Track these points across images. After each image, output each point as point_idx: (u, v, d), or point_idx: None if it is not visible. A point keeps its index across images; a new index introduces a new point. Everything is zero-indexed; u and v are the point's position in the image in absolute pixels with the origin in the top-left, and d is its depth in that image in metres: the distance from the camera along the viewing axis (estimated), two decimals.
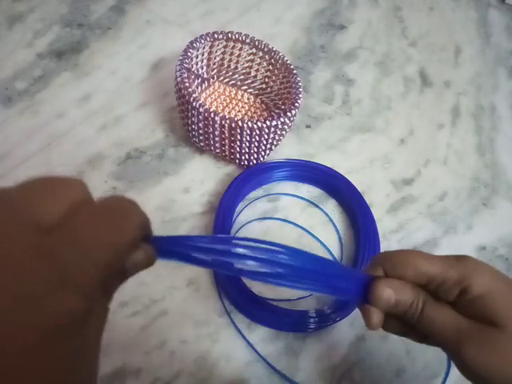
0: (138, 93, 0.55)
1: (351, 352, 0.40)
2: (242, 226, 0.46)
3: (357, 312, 0.42)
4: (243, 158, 0.48)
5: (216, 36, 0.50)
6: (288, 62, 0.51)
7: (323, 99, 0.59)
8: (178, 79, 0.45)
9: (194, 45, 0.49)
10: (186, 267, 0.43)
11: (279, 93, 0.53)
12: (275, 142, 0.47)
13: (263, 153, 0.48)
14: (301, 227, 0.46)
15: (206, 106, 0.43)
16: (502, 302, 0.26)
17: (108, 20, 0.62)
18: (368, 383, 0.39)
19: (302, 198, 0.49)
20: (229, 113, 0.53)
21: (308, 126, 0.55)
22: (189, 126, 0.47)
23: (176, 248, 0.23)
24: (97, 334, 0.18)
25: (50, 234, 0.17)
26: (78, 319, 0.16)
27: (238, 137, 0.45)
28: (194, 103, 0.43)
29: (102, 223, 0.18)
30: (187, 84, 0.45)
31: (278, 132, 0.46)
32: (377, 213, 0.48)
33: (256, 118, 0.53)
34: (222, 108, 0.53)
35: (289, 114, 0.45)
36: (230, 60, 0.54)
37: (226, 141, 0.46)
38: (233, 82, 0.55)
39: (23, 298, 0.15)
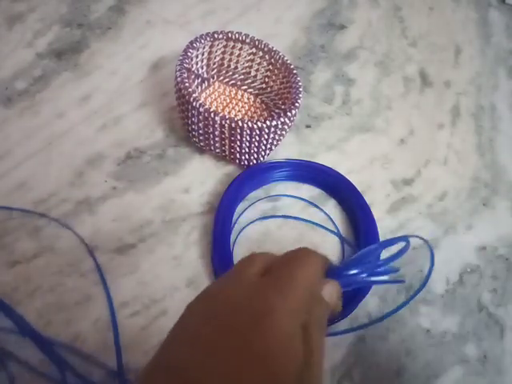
0: (137, 93, 0.55)
1: (351, 352, 0.40)
2: (244, 228, 0.46)
3: (357, 312, 0.42)
4: (243, 157, 0.48)
5: (216, 36, 0.50)
6: (288, 61, 0.51)
7: (323, 99, 0.59)
8: (178, 79, 0.45)
9: (194, 45, 0.49)
10: (186, 267, 0.43)
11: (279, 93, 0.53)
12: (275, 142, 0.47)
13: (263, 153, 0.48)
14: (303, 220, 0.46)
15: (206, 106, 0.43)
16: None
17: (108, 20, 0.62)
18: (368, 383, 0.39)
19: (302, 198, 0.49)
20: (229, 113, 0.53)
21: (308, 126, 0.55)
22: (189, 126, 0.47)
23: (349, 280, 0.27)
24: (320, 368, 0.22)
25: (265, 277, 0.24)
26: (296, 338, 0.21)
27: (238, 137, 0.45)
28: (194, 103, 0.43)
29: (293, 262, 0.24)
30: (187, 84, 0.45)
31: (278, 132, 0.46)
32: (377, 213, 0.47)
33: (256, 117, 0.53)
34: (221, 108, 0.53)
35: (289, 113, 0.45)
36: (230, 60, 0.54)
37: (226, 141, 0.46)
38: (233, 81, 0.55)
39: (259, 317, 0.21)
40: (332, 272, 0.26)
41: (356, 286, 0.27)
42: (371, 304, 0.43)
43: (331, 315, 0.25)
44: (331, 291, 0.25)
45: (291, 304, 0.21)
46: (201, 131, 0.46)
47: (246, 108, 0.54)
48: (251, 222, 0.46)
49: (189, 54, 0.48)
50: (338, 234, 0.47)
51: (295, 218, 0.47)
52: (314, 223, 0.47)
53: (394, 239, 0.29)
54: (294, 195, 0.49)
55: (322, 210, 0.48)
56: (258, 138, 0.45)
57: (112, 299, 0.40)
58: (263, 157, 0.49)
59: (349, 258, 0.29)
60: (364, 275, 0.26)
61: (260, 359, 0.19)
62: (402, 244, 0.27)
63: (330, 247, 0.46)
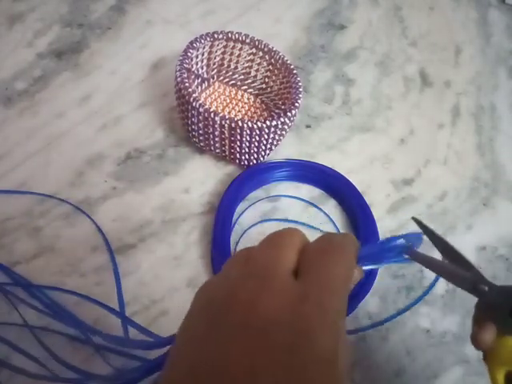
0: (137, 93, 0.55)
1: (351, 352, 0.40)
2: (246, 230, 0.46)
3: (357, 312, 0.42)
4: (243, 157, 0.48)
5: (216, 36, 0.50)
6: (288, 61, 0.51)
7: (323, 99, 0.59)
8: (178, 79, 0.45)
9: (194, 45, 0.49)
10: (186, 267, 0.43)
11: (279, 93, 0.53)
12: (275, 142, 0.47)
13: (263, 153, 0.48)
14: (306, 224, 0.47)
15: (206, 106, 0.43)
16: None
17: (108, 20, 0.62)
18: (368, 383, 0.39)
19: (302, 199, 0.49)
20: (229, 113, 0.53)
21: (308, 126, 0.55)
22: (189, 126, 0.47)
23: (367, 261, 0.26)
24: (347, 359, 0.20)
25: (299, 278, 0.21)
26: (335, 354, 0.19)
27: (238, 137, 0.45)
28: (194, 103, 0.43)
29: (330, 258, 0.22)
30: (187, 84, 0.45)
31: (278, 132, 0.46)
32: (377, 213, 0.48)
33: (256, 117, 0.53)
34: (221, 108, 0.53)
35: (289, 113, 0.45)
36: (230, 60, 0.54)
37: (226, 141, 0.46)
38: (233, 82, 0.55)
39: (303, 336, 0.19)
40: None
41: (374, 267, 0.26)
42: (371, 304, 0.43)
43: None
44: (357, 280, 0.24)
45: (333, 320, 0.20)
46: (201, 131, 0.46)
47: (246, 108, 0.54)
48: (253, 225, 0.46)
49: (189, 54, 0.48)
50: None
51: (295, 222, 0.47)
52: (315, 228, 0.47)
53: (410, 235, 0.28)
54: (294, 195, 0.49)
55: (321, 210, 0.48)
56: (257, 138, 0.45)
57: (123, 295, 0.40)
58: (263, 157, 0.49)
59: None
60: (386, 257, 0.26)
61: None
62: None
63: None
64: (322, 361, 0.18)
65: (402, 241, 0.26)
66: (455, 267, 0.28)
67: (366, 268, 0.25)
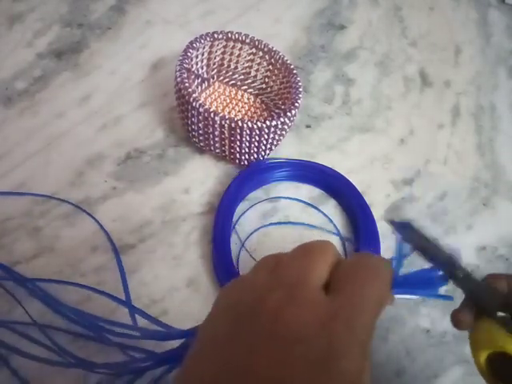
0: (137, 93, 0.55)
1: None
2: (249, 236, 0.46)
3: None
4: (243, 157, 0.48)
5: (216, 36, 0.50)
6: (288, 61, 0.51)
7: (323, 99, 0.59)
8: (178, 79, 0.45)
9: (194, 45, 0.49)
10: (186, 267, 0.43)
11: (279, 93, 0.53)
12: (275, 142, 0.47)
13: (263, 153, 0.48)
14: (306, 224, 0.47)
15: (206, 106, 0.43)
16: None
17: (108, 20, 0.62)
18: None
19: (302, 200, 0.49)
20: (229, 113, 0.53)
21: (308, 126, 0.55)
22: (189, 126, 0.47)
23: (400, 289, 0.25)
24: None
25: (329, 294, 0.20)
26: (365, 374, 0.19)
27: (238, 137, 0.45)
28: (194, 103, 0.43)
29: (365, 280, 0.21)
30: (187, 84, 0.45)
31: (278, 132, 0.46)
32: (377, 213, 0.48)
33: (256, 117, 0.53)
34: (221, 108, 0.53)
35: (289, 113, 0.45)
36: (230, 60, 0.54)
37: (226, 141, 0.46)
38: (233, 82, 0.55)
39: (330, 353, 0.18)
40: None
41: (405, 295, 0.26)
42: None
43: None
44: (388, 304, 0.23)
45: (361, 342, 0.19)
46: (201, 131, 0.46)
47: (246, 108, 0.54)
48: (255, 231, 0.46)
49: (189, 54, 0.48)
50: (338, 235, 0.47)
51: (297, 223, 0.47)
52: (316, 227, 0.47)
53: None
54: (294, 197, 0.49)
55: (321, 211, 0.48)
56: (257, 138, 0.45)
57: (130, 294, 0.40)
58: (263, 157, 0.49)
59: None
60: (417, 288, 0.25)
61: None
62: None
63: None
64: (347, 382, 0.18)
65: (439, 273, 0.26)
66: (436, 249, 0.28)
67: (398, 296, 0.25)
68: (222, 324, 0.20)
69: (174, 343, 0.28)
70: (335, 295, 0.20)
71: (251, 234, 0.46)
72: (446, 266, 0.27)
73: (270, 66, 0.52)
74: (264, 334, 0.19)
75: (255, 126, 0.43)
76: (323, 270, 0.21)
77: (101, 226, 0.44)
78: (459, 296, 0.28)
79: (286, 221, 0.47)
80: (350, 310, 0.20)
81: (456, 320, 0.29)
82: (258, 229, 0.46)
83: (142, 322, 0.35)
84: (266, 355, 0.18)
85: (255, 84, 0.55)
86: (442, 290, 0.26)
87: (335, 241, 0.46)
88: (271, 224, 0.46)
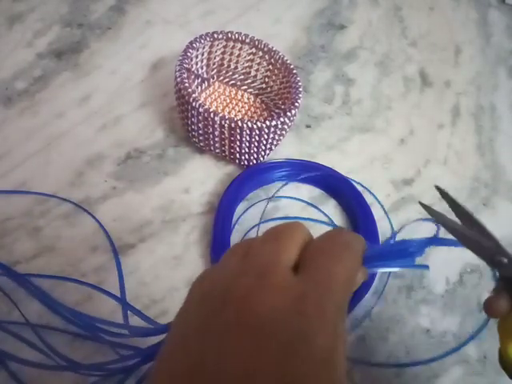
0: (137, 93, 0.55)
1: (351, 352, 0.40)
2: (248, 232, 0.46)
3: (357, 312, 0.42)
4: (243, 158, 0.48)
5: (216, 36, 0.50)
6: (288, 61, 0.51)
7: (323, 99, 0.59)
8: (178, 79, 0.45)
9: (194, 45, 0.49)
10: (186, 267, 0.43)
11: (279, 93, 0.53)
12: (275, 142, 0.47)
13: (263, 153, 0.48)
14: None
15: (206, 106, 0.43)
16: None
17: (108, 20, 0.62)
18: (368, 383, 0.39)
19: (302, 200, 0.49)
20: (229, 113, 0.53)
21: (308, 126, 0.55)
22: (189, 126, 0.47)
23: (377, 265, 0.25)
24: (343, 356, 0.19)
25: (299, 274, 0.20)
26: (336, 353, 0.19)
27: (238, 137, 0.45)
28: (194, 103, 0.43)
29: (333, 256, 0.21)
30: (187, 84, 0.45)
31: (278, 132, 0.46)
32: (377, 213, 0.48)
33: (256, 117, 0.53)
34: (221, 108, 0.53)
35: (289, 113, 0.45)
36: (230, 60, 0.54)
37: (226, 141, 0.46)
38: (233, 82, 0.55)
39: (300, 336, 0.18)
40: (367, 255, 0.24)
41: (381, 269, 0.25)
42: (371, 304, 0.43)
43: None
44: (360, 280, 0.22)
45: (332, 320, 0.19)
46: (201, 131, 0.46)
47: (246, 108, 0.54)
48: (255, 226, 0.46)
49: (189, 54, 0.48)
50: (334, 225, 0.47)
51: (296, 218, 0.47)
52: (316, 221, 0.47)
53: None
54: (294, 195, 0.49)
55: (321, 211, 0.48)
56: (257, 138, 0.45)
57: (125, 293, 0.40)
58: (263, 157, 0.49)
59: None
60: (393, 259, 0.24)
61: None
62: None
63: None
64: (320, 361, 0.18)
65: (413, 243, 0.25)
66: (477, 235, 0.27)
67: (372, 270, 0.24)
68: (193, 318, 0.20)
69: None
70: (304, 275, 0.20)
71: (250, 230, 0.46)
72: (486, 250, 0.27)
73: (270, 66, 0.52)
74: (232, 324, 0.18)
75: (255, 126, 0.43)
76: (292, 252, 0.21)
77: (101, 225, 0.44)
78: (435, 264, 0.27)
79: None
80: (319, 289, 0.19)
81: (492, 308, 0.28)
82: (257, 225, 0.46)
83: (138, 321, 0.35)
84: (235, 345, 0.18)
85: (255, 84, 0.55)
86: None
87: None
88: (270, 220, 0.46)
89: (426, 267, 0.26)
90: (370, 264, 0.24)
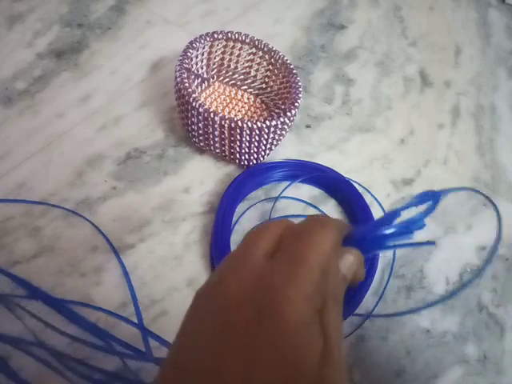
0: (138, 93, 0.55)
1: (351, 352, 0.40)
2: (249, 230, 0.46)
3: (356, 312, 0.42)
4: (243, 158, 0.48)
5: (216, 36, 0.50)
6: (288, 61, 0.51)
7: (323, 99, 0.59)
8: (178, 79, 0.45)
9: (194, 45, 0.49)
10: (186, 267, 0.43)
11: (279, 93, 0.53)
12: (275, 142, 0.47)
13: (263, 153, 0.48)
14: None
15: (206, 106, 0.43)
16: None
17: (108, 20, 0.62)
18: (368, 383, 0.39)
19: (302, 200, 0.49)
20: (229, 113, 0.53)
21: (308, 126, 0.55)
22: (189, 126, 0.47)
23: (371, 245, 0.24)
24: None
25: (272, 258, 0.21)
26: (312, 326, 0.19)
27: (238, 137, 0.45)
28: (194, 103, 0.43)
29: (306, 237, 0.21)
30: (187, 84, 0.45)
31: (278, 132, 0.46)
32: (377, 213, 0.48)
33: (256, 117, 0.53)
34: (221, 108, 0.53)
35: (289, 113, 0.45)
36: (230, 60, 0.54)
37: (226, 141, 0.46)
38: (233, 81, 0.55)
39: (267, 309, 0.18)
40: (352, 238, 0.23)
41: (379, 250, 0.24)
42: (371, 304, 0.43)
43: (353, 285, 0.23)
44: (350, 261, 0.22)
45: (302, 290, 0.19)
46: (201, 131, 0.46)
47: (246, 108, 0.54)
48: (255, 226, 0.46)
49: (189, 54, 0.48)
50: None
51: (296, 216, 0.47)
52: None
53: (416, 199, 0.25)
54: (294, 196, 0.49)
55: (321, 211, 0.48)
56: (257, 138, 0.45)
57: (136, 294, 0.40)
58: (263, 157, 0.49)
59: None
60: (388, 236, 0.23)
61: (272, 358, 0.17)
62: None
63: None
64: (289, 330, 0.18)
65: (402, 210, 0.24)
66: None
67: (369, 253, 0.23)
68: (186, 319, 0.21)
69: None
70: (275, 257, 0.21)
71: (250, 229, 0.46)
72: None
73: (270, 66, 0.52)
74: (210, 311, 0.20)
75: (255, 126, 0.43)
76: (267, 240, 0.22)
77: (97, 228, 0.44)
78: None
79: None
80: (288, 263, 0.20)
81: None
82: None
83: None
84: (210, 329, 0.19)
85: (255, 84, 0.55)
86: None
87: None
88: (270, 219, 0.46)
89: (432, 244, 0.25)
90: (362, 245, 0.23)
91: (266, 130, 0.44)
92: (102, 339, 0.37)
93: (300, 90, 0.48)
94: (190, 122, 0.46)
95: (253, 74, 0.54)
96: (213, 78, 0.55)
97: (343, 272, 0.22)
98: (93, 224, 0.44)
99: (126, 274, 0.41)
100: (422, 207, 0.24)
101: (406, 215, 0.24)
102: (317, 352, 0.18)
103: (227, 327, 0.18)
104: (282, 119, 0.44)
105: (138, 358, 0.36)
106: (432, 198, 0.25)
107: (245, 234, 0.24)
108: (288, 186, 0.48)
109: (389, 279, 0.44)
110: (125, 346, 0.37)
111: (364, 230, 0.24)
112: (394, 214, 0.24)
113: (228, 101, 0.54)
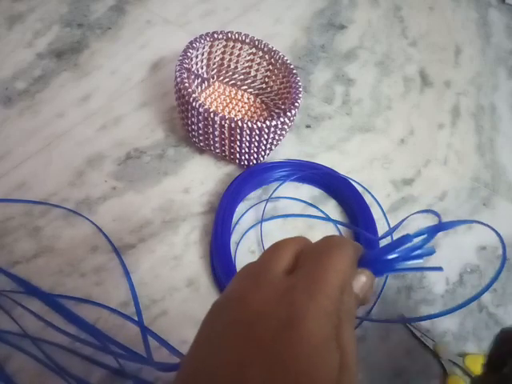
0: (138, 93, 0.55)
1: None
2: (249, 229, 0.46)
3: (357, 312, 0.42)
4: (243, 158, 0.48)
5: (216, 36, 0.50)
6: (288, 61, 0.51)
7: (323, 99, 0.59)
8: (178, 79, 0.45)
9: (194, 45, 0.49)
10: (186, 267, 0.43)
11: (279, 93, 0.53)
12: (275, 142, 0.47)
13: (263, 153, 0.48)
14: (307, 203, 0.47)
15: (206, 106, 0.43)
16: None
17: (108, 20, 0.62)
18: (368, 383, 0.39)
19: (302, 200, 0.49)
20: (229, 113, 0.53)
21: (308, 126, 0.55)
22: (189, 126, 0.47)
23: (383, 268, 0.25)
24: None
25: (291, 275, 0.22)
26: (331, 342, 0.19)
27: (238, 137, 0.45)
28: (194, 103, 0.43)
29: (326, 256, 0.22)
30: (187, 84, 0.45)
31: (278, 132, 0.46)
32: (376, 213, 0.47)
33: (256, 117, 0.53)
34: (221, 108, 0.53)
35: (289, 113, 0.45)
36: (230, 60, 0.54)
37: (226, 141, 0.46)
38: (233, 81, 0.55)
39: (288, 323, 0.19)
40: (364, 260, 0.25)
41: (390, 273, 0.25)
42: (371, 304, 0.43)
43: (361, 305, 0.24)
44: (363, 282, 0.23)
45: (322, 306, 0.20)
46: (201, 131, 0.46)
47: (246, 108, 0.54)
48: (254, 225, 0.46)
49: (189, 54, 0.48)
50: (337, 221, 0.47)
51: (296, 215, 0.47)
52: (315, 217, 0.47)
53: (427, 229, 0.27)
54: (294, 197, 0.49)
55: (321, 211, 0.48)
56: (257, 138, 0.45)
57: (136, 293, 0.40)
58: (263, 157, 0.49)
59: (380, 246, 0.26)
60: (399, 259, 0.24)
61: (292, 371, 0.18)
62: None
63: None
64: (310, 345, 0.18)
65: (414, 237, 0.25)
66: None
67: (380, 274, 0.24)
68: (201, 330, 0.21)
69: None
70: (295, 273, 0.22)
71: (248, 230, 0.46)
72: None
73: (270, 66, 0.52)
74: (228, 324, 0.20)
75: (255, 126, 0.43)
76: (285, 256, 0.23)
77: (99, 229, 0.44)
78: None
79: (286, 222, 0.47)
80: (309, 280, 0.21)
81: None
82: (256, 224, 0.46)
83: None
84: (230, 341, 0.19)
85: (255, 84, 0.55)
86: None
87: None
88: (271, 218, 0.46)
89: (440, 269, 0.26)
90: (374, 267, 0.24)
91: (266, 130, 0.44)
92: (101, 341, 0.37)
93: (300, 90, 0.48)
94: (190, 122, 0.46)
95: (253, 74, 0.54)
96: (213, 78, 0.55)
97: (356, 292, 0.23)
98: (94, 224, 0.44)
99: (126, 273, 0.41)
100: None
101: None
102: (335, 366, 0.19)
103: (248, 340, 0.19)
104: (282, 119, 0.44)
105: (139, 361, 0.36)
106: (441, 229, 0.26)
107: (262, 252, 0.24)
108: (281, 183, 0.48)
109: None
110: (124, 350, 0.37)
111: (376, 252, 0.25)
112: (406, 239, 0.25)
113: (228, 101, 0.54)
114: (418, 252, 0.25)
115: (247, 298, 0.21)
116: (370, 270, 0.24)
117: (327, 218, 0.48)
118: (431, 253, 0.25)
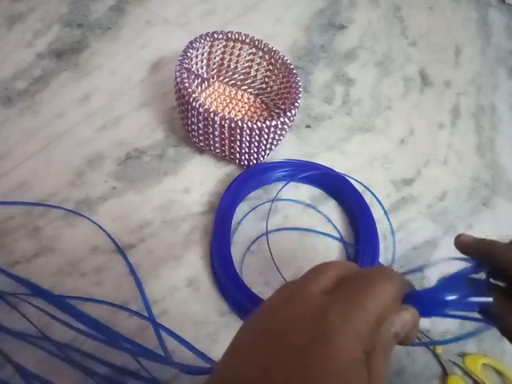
0: (138, 93, 0.55)
1: None
2: (256, 240, 0.45)
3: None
4: (243, 158, 0.48)
5: (216, 36, 0.50)
6: (288, 61, 0.51)
7: (323, 99, 0.59)
8: (178, 79, 0.45)
9: (194, 45, 0.49)
10: (186, 267, 0.43)
11: (279, 93, 0.53)
12: (275, 142, 0.47)
13: (263, 153, 0.48)
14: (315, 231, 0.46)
15: (206, 106, 0.43)
16: None
17: (108, 20, 0.62)
18: None
19: (302, 202, 0.49)
20: (229, 113, 0.53)
21: (308, 126, 0.55)
22: (189, 126, 0.47)
23: (432, 309, 0.24)
24: None
25: (329, 295, 0.22)
26: (360, 364, 0.19)
27: (238, 137, 0.45)
28: (194, 103, 0.43)
29: (368, 283, 0.22)
30: (187, 84, 0.45)
31: (278, 132, 0.46)
32: (377, 213, 0.47)
33: (256, 117, 0.53)
34: (221, 108, 0.53)
35: (289, 113, 0.45)
36: (230, 60, 0.54)
37: (226, 141, 0.46)
38: (233, 81, 0.55)
39: (319, 338, 0.19)
40: (413, 297, 0.24)
41: (438, 315, 0.24)
42: None
43: (403, 344, 0.23)
44: (406, 319, 0.23)
45: (356, 329, 0.20)
46: (201, 131, 0.46)
47: (246, 108, 0.54)
48: (258, 238, 0.46)
49: (189, 54, 0.48)
50: (339, 238, 0.47)
51: (298, 229, 0.47)
52: (319, 232, 0.47)
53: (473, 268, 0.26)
54: (294, 197, 0.49)
55: (321, 212, 0.48)
56: (257, 138, 0.45)
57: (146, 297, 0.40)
58: (263, 157, 0.49)
59: (437, 281, 0.26)
60: (451, 304, 0.23)
61: (316, 382, 0.18)
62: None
63: (331, 249, 0.46)
64: (338, 363, 0.18)
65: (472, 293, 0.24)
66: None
67: (426, 316, 0.24)
68: (236, 340, 0.22)
69: None
70: (334, 294, 0.22)
71: (256, 239, 0.45)
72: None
73: (270, 66, 0.52)
74: (259, 331, 0.21)
75: (255, 126, 0.43)
76: (327, 279, 0.23)
77: (102, 229, 0.44)
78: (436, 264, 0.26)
79: (286, 223, 0.47)
80: (346, 302, 0.21)
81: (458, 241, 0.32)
82: (262, 235, 0.46)
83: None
84: (258, 347, 0.20)
85: (255, 84, 0.55)
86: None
87: (335, 241, 0.46)
88: (276, 230, 0.46)
89: (490, 327, 0.25)
90: (422, 307, 0.23)
91: (266, 130, 0.44)
92: (111, 337, 0.37)
93: (300, 90, 0.48)
94: (190, 122, 0.46)
95: (253, 74, 0.54)
96: (213, 78, 0.55)
97: (397, 328, 0.22)
98: (96, 224, 0.44)
99: (132, 271, 0.41)
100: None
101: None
102: None
103: (276, 349, 0.19)
104: (282, 119, 0.44)
105: (157, 360, 0.36)
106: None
107: (307, 270, 0.24)
108: (285, 185, 0.48)
109: None
110: (145, 351, 0.37)
111: (426, 292, 0.24)
112: (457, 279, 0.24)
113: (228, 101, 0.54)
114: (474, 300, 0.24)
115: (280, 309, 0.21)
116: (417, 309, 0.23)
117: (333, 236, 0.48)
118: (489, 304, 0.24)
